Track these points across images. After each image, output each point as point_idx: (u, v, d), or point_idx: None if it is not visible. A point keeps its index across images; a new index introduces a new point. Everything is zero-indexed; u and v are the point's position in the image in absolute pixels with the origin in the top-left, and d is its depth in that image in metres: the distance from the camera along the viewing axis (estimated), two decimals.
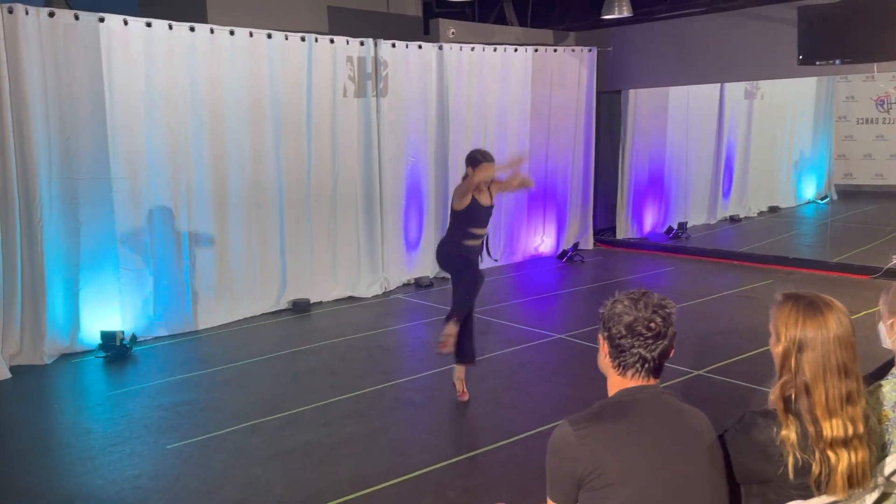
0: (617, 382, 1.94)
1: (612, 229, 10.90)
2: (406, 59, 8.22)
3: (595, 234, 10.66)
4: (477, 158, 4.82)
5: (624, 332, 1.88)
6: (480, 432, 4.46)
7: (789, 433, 1.87)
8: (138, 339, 6.35)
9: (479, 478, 3.90)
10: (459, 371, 4.98)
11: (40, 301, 5.93)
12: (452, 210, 4.99)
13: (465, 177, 4.89)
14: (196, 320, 6.84)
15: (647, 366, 1.89)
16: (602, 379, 2.02)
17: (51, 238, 5.97)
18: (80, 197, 6.11)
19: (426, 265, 8.77)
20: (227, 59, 6.85)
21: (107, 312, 6.29)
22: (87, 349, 6.17)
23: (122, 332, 6.13)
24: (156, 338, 6.54)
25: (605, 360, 1.96)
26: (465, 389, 4.97)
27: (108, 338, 6.02)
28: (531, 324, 6.86)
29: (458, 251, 4.97)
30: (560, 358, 5.90)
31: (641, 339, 1.87)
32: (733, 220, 12.34)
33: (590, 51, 9.97)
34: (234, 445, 4.36)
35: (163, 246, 6.62)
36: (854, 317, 1.97)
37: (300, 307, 7.45)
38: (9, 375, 5.60)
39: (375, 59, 7.92)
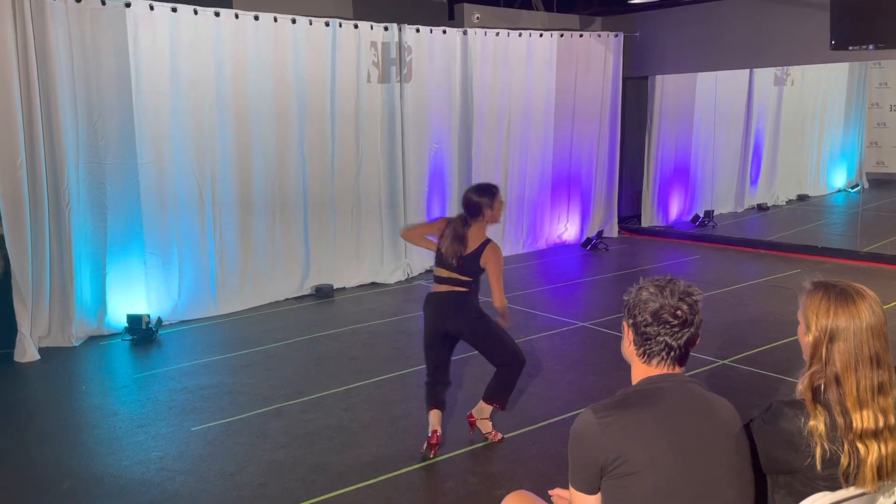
0: (641, 370, 1.91)
1: (637, 217, 10.80)
2: (430, 44, 8.18)
3: (620, 221, 10.57)
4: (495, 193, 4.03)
5: (650, 320, 1.84)
6: (502, 419, 4.45)
7: (817, 423, 1.83)
8: (164, 323, 6.43)
9: (500, 464, 3.90)
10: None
11: (68, 284, 6.01)
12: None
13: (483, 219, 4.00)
14: (220, 305, 6.90)
15: (672, 354, 1.86)
16: (625, 368, 1.99)
17: (78, 222, 6.05)
18: (107, 181, 6.18)
19: None
20: (251, 44, 6.86)
21: (133, 296, 6.37)
22: (113, 332, 6.26)
23: (148, 316, 6.20)
24: (181, 321, 6.61)
25: (629, 348, 1.93)
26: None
27: (135, 321, 6.10)
28: (554, 312, 6.82)
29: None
30: (583, 346, 5.86)
31: (667, 326, 1.84)
32: (761, 208, 12.16)
33: (616, 36, 9.83)
34: (257, 428, 4.40)
35: (187, 230, 6.68)
36: (885, 307, 1.92)
37: (323, 293, 7.48)
38: (38, 357, 5.70)
39: (400, 44, 7.89)
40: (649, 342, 1.86)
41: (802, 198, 12.82)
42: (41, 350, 5.80)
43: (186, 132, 6.57)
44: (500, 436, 4.18)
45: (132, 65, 6.16)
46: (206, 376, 5.31)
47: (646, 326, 1.85)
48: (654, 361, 1.88)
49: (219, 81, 6.69)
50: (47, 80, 5.76)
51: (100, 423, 4.56)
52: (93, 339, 6.16)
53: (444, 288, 4.02)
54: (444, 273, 4.02)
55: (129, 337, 6.09)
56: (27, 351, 5.66)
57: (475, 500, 3.54)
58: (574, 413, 4.48)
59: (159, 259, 6.52)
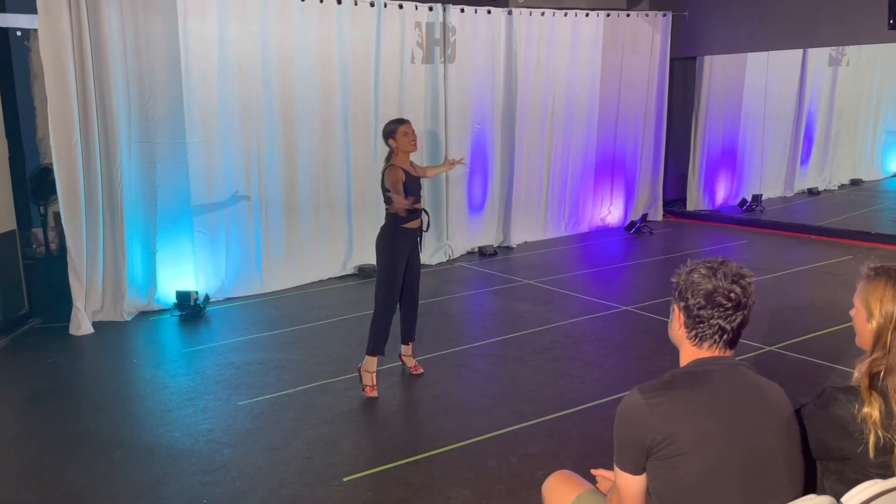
0: (690, 353, 1.89)
1: (683, 201, 10.62)
2: (474, 24, 8.13)
3: (665, 205, 10.41)
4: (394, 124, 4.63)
5: (703, 303, 1.82)
6: (543, 401, 4.46)
7: (872, 411, 1.80)
8: (211, 300, 6.57)
9: (541, 445, 3.91)
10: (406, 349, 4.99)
11: (120, 261, 6.19)
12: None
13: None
14: (265, 282, 7.02)
15: (725, 337, 1.84)
16: (669, 352, 1.97)
17: (130, 200, 6.20)
18: (158, 161, 6.31)
19: (489, 233, 8.76)
20: (297, 24, 6.91)
21: (182, 273, 6.52)
22: (163, 308, 6.43)
23: (196, 293, 6.35)
24: (227, 298, 6.76)
25: (679, 331, 1.90)
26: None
27: (183, 297, 6.25)
28: (597, 295, 6.78)
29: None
30: (626, 330, 5.82)
31: (721, 309, 1.81)
32: (811, 192, 11.87)
33: (664, 15, 9.63)
34: (302, 404, 4.49)
35: (234, 209, 6.80)
36: None
37: (366, 272, 7.55)
38: (92, 330, 5.89)
39: (444, 24, 7.86)
40: (702, 325, 1.83)
41: (856, 182, 12.46)
42: (95, 324, 5.99)
43: (234, 112, 6.66)
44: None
45: (182, 46, 6.26)
46: (252, 352, 5.42)
47: (699, 309, 1.82)
48: (706, 345, 1.85)
49: (265, 62, 6.76)
50: (101, 62, 5.89)
51: (150, 396, 4.70)
52: (143, 315, 6.33)
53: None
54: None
55: (178, 313, 6.25)
56: (82, 325, 5.85)
57: (516, 479, 3.56)
58: (616, 396, 4.47)
59: (207, 237, 6.65)
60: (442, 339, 5.64)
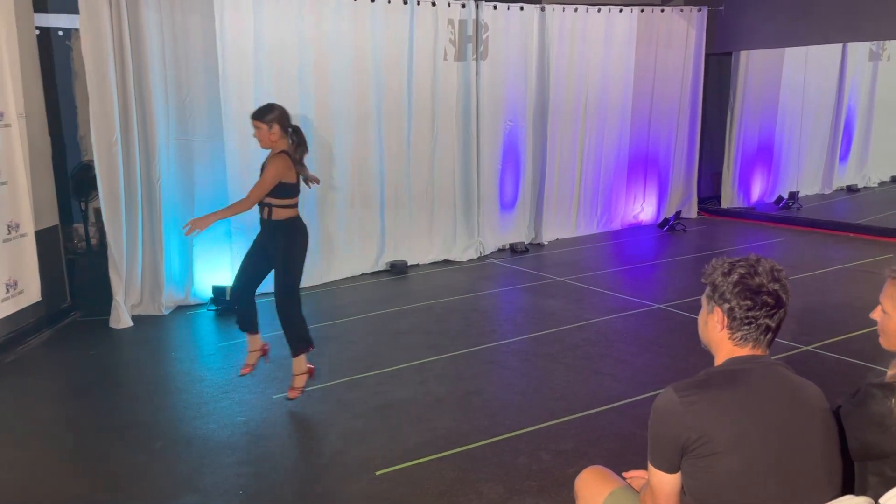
0: (726, 352, 1.88)
1: (717, 198, 10.49)
2: (507, 21, 8.12)
3: (699, 202, 10.29)
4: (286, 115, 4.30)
5: (750, 304, 1.80)
6: (575, 398, 4.46)
7: None
8: None
9: (572, 442, 3.91)
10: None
11: (158, 256, 6.31)
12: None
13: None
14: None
15: (769, 335, 1.83)
16: (702, 351, 1.96)
17: (168, 197, 6.32)
18: (195, 157, 6.42)
19: (521, 230, 8.76)
20: (331, 21, 6.96)
21: (218, 268, 6.63)
22: (200, 302, 6.54)
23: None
24: (261, 294, 6.80)
25: (720, 333, 1.87)
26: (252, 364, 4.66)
27: (220, 292, 6.36)
28: (629, 292, 6.74)
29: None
30: (658, 328, 5.78)
31: (767, 308, 1.80)
32: (850, 190, 11.63)
33: (699, 10, 9.51)
34: (335, 398, 4.54)
35: None
36: None
37: (398, 269, 7.60)
38: (131, 324, 6.03)
39: (476, 21, 7.86)
40: (749, 326, 1.81)
41: None
42: (134, 317, 6.12)
43: None
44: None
45: (218, 45, 6.35)
46: (286, 347, 5.45)
47: (748, 311, 1.80)
48: (749, 345, 1.84)
49: (301, 60, 6.83)
50: (140, 60, 6.00)
51: (188, 388, 4.80)
52: (180, 309, 6.46)
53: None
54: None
55: (214, 307, 6.36)
56: (121, 318, 5.99)
57: (547, 476, 3.57)
58: (648, 395, 4.45)
59: (243, 233, 6.74)
60: (473, 336, 5.66)
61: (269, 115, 4.25)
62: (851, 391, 1.95)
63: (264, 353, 4.73)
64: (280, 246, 4.35)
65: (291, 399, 4.45)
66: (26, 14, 5.76)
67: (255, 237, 4.52)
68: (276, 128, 4.26)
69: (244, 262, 4.55)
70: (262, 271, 4.55)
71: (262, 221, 4.41)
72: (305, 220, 7.09)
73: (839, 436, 1.85)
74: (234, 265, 6.70)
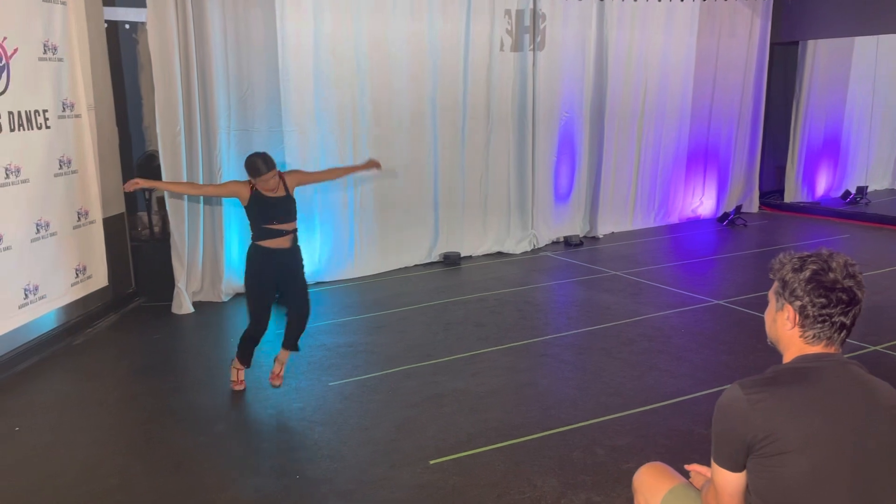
0: (797, 349, 1.82)
1: (780, 192, 10.19)
2: (565, 10, 8.02)
3: (761, 196, 10.02)
4: (259, 168, 4.22)
5: (825, 301, 1.73)
6: (630, 394, 4.39)
7: None
8: None
9: (627, 438, 3.86)
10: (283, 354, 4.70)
11: (219, 245, 6.46)
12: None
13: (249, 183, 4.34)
14: (355, 268, 7.19)
15: (842, 333, 1.77)
16: (763, 348, 1.91)
17: None
18: (255, 148, 6.46)
19: (575, 223, 8.67)
20: (389, 12, 6.99)
21: None
22: None
23: None
24: (318, 283, 6.95)
25: (790, 331, 1.81)
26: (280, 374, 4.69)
27: None
28: (687, 288, 6.60)
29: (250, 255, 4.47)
30: (717, 324, 5.65)
31: (843, 305, 1.74)
32: None
33: None
34: (389, 387, 4.58)
35: (329, 197, 6.98)
36: None
37: (451, 260, 7.62)
38: (192, 310, 6.20)
39: (534, 11, 7.79)
40: (823, 324, 1.75)
41: None
42: (195, 304, 6.29)
43: (328, 101, 6.82)
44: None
45: (279, 38, 6.45)
46: (341, 335, 5.57)
47: (822, 308, 1.74)
48: (822, 343, 1.78)
49: (358, 53, 6.88)
50: (203, 53, 6.14)
51: (246, 374, 4.89)
52: (239, 296, 6.59)
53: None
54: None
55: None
56: (183, 304, 6.16)
57: (602, 471, 3.53)
58: (706, 392, 4.36)
59: (301, 223, 6.83)
60: (526, 328, 5.63)
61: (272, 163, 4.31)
62: None
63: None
64: (302, 264, 4.64)
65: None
66: (96, 8, 5.96)
67: (255, 279, 4.43)
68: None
69: (265, 303, 4.50)
70: (272, 303, 4.61)
71: (281, 251, 4.43)
72: (362, 213, 7.22)
73: None
74: None
